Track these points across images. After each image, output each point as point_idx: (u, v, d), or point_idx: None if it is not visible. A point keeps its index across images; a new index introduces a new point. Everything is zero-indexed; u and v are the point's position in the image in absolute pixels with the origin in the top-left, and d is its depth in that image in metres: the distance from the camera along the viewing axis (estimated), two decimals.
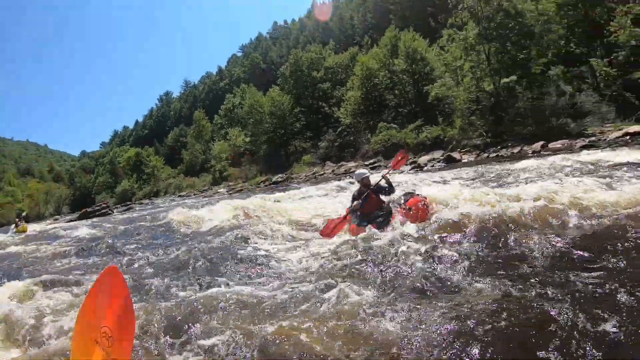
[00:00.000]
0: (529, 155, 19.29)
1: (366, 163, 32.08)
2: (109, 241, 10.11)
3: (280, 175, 40.53)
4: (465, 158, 24.20)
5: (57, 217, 56.33)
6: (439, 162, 24.48)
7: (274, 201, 13.74)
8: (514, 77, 26.35)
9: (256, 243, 7.78)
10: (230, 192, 38.28)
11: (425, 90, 33.96)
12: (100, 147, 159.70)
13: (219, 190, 44.07)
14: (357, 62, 44.85)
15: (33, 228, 25.37)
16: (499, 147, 24.52)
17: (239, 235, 8.31)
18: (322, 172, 35.22)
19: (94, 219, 27.93)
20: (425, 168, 23.39)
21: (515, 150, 22.47)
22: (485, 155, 23.68)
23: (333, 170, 34.07)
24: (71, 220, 31.62)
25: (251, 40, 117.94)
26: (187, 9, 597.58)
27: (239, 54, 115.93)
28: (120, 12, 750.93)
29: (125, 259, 7.80)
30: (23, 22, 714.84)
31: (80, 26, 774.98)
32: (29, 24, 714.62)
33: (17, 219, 25.97)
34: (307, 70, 53.70)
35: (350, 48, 57.31)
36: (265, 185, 37.26)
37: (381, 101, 40.22)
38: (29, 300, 5.82)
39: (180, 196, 50.82)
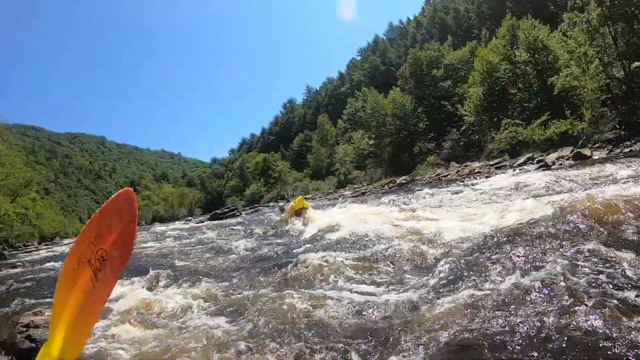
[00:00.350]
0: None
1: (491, 163, 31.14)
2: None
3: (404, 177, 40.54)
4: (597, 154, 22.56)
5: (189, 218, 60.45)
6: (567, 159, 23.20)
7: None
8: None
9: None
10: (355, 194, 38.56)
11: (550, 82, 32.14)
12: (229, 154, 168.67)
13: (343, 193, 44.42)
14: (476, 57, 43.88)
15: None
16: (633, 140, 22.57)
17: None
18: (446, 173, 34.51)
19: (223, 220, 30.28)
20: (554, 167, 22.46)
21: None
22: (618, 150, 21.89)
23: (458, 171, 33.25)
24: (201, 221, 34.42)
25: (368, 43, 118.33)
26: (305, 19, 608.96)
27: (358, 58, 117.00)
28: (242, 26, 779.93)
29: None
30: (158, 44, 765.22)
31: (209, 44, 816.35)
32: (167, 44, 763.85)
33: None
34: (427, 69, 53.39)
35: (468, 42, 55.96)
36: (389, 188, 37.13)
37: (504, 96, 38.69)
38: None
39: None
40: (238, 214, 35.31)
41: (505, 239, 5.45)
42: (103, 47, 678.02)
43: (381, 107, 54.24)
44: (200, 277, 7.23)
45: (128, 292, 6.57)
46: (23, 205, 43.70)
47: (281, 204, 27.19)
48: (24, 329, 5.23)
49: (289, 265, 6.67)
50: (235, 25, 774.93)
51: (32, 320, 5.40)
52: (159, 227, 38.89)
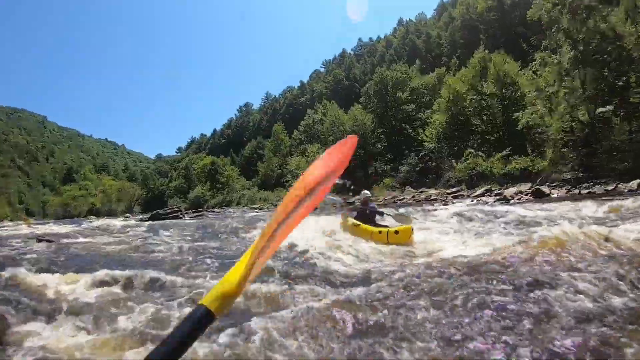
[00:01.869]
0: (625, 193, 18.08)
1: (448, 191, 31.30)
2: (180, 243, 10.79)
3: (357, 197, 40.01)
4: (555, 193, 22.95)
5: (127, 215, 58.37)
6: (526, 195, 23.34)
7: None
8: (610, 107, 24.86)
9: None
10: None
11: (515, 117, 32.41)
12: (176, 152, 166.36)
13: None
14: (444, 84, 43.94)
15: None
16: (591, 182, 23.14)
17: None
18: (401, 197, 34.46)
19: (166, 221, 28.91)
20: (512, 201, 22.36)
21: (610, 187, 21.05)
22: (577, 191, 22.27)
23: (413, 196, 33.19)
24: (142, 220, 32.98)
25: (335, 56, 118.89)
26: (274, 21, 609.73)
27: (322, 70, 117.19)
28: (207, 18, 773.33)
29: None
30: (108, 27, 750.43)
31: (165, 31, 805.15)
32: (114, 29, 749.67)
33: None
34: (392, 90, 53.37)
35: (437, 69, 56.37)
36: (342, 205, 36.63)
37: (467, 126, 38.98)
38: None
39: (252, 208, 51.34)
40: (181, 216, 33.91)
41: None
42: (56, 17, 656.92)
43: (340, 123, 53.89)
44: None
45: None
46: None
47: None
48: None
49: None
50: (202, 14, 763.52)
51: None
52: (98, 222, 37.21)
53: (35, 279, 6.99)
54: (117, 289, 6.43)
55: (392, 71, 56.55)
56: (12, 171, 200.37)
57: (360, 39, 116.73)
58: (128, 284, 6.64)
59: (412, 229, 9.27)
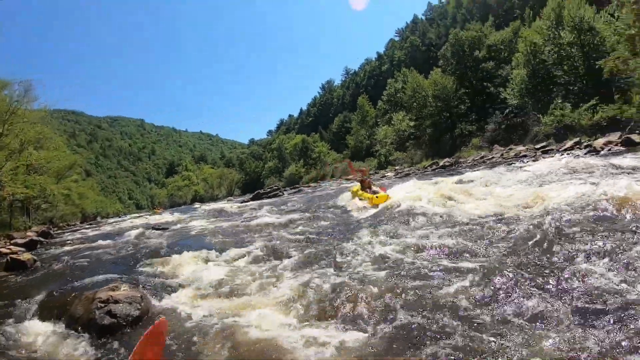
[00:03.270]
0: None
1: (536, 147, 31.02)
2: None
3: (447, 159, 40.52)
4: None
5: (230, 198, 61.52)
6: (616, 145, 23.04)
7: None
8: None
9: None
10: (398, 175, 38.73)
11: (597, 65, 31.51)
12: (267, 135, 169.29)
13: (386, 174, 44.62)
14: (520, 38, 43.36)
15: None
16: None
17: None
18: (490, 156, 34.45)
19: (268, 199, 31.00)
20: (602, 152, 22.31)
21: None
22: None
23: (502, 154, 33.26)
24: (244, 201, 35.17)
25: (407, 23, 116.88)
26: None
27: (397, 39, 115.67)
28: (280, 9, 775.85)
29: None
30: (185, 26, 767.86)
31: (248, 27, 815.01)
32: (189, 28, 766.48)
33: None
34: (469, 49, 52.94)
35: (511, 23, 55.14)
36: (433, 170, 37.12)
37: (549, 79, 38.05)
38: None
39: (347, 179, 52.50)
40: (280, 193, 35.91)
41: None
42: (139, 32, 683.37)
43: (422, 89, 54.29)
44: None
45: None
46: (66, 187, 45.37)
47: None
48: (103, 305, 5.35)
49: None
50: (273, 8, 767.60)
51: (110, 296, 5.53)
52: (205, 206, 39.87)
53: (162, 262, 8.44)
54: (230, 266, 7.64)
55: (466, 31, 55.93)
56: (119, 172, 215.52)
57: (429, 3, 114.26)
58: (240, 259, 8.01)
59: (387, 195, 13.31)
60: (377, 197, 13.37)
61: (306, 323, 4.49)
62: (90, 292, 5.92)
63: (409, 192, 12.73)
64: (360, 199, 14.88)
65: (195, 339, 4.44)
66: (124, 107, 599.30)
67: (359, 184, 16.84)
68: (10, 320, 5.82)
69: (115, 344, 4.68)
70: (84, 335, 4.96)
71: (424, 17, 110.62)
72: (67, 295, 6.50)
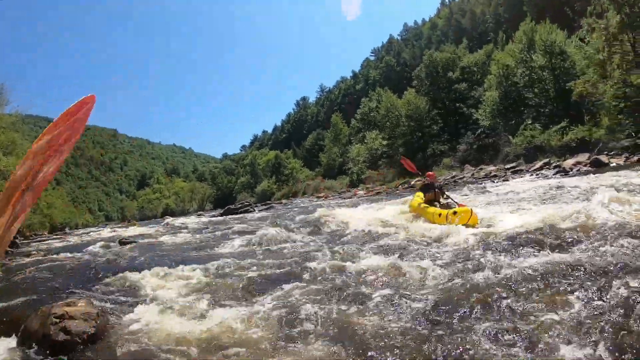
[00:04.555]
0: None
1: (507, 167, 31.38)
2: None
3: (419, 178, 40.57)
4: (614, 162, 22.96)
5: (200, 212, 60.85)
6: (585, 165, 23.46)
7: None
8: None
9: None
10: (369, 194, 38.60)
11: (567, 87, 32.21)
12: (240, 150, 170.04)
13: (357, 192, 44.60)
14: (492, 60, 43.91)
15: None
16: None
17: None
18: (461, 176, 34.71)
19: (238, 215, 30.59)
20: (571, 172, 22.66)
21: None
22: (636, 158, 22.17)
23: (473, 174, 33.53)
24: (214, 216, 34.95)
25: (383, 43, 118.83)
26: (314, 17, 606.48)
27: (372, 58, 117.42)
28: (256, 19, 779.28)
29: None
30: (161, 36, 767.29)
31: (222, 40, 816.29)
32: (166, 38, 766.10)
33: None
34: (443, 70, 53.47)
35: (484, 46, 56.02)
36: (404, 188, 37.22)
37: (520, 100, 38.65)
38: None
39: (318, 197, 52.21)
40: (252, 209, 35.49)
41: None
42: (114, 40, 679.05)
43: (395, 108, 54.52)
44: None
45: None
46: None
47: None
48: (57, 320, 5.05)
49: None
50: (246, 22, 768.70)
51: (65, 312, 5.20)
52: (175, 221, 39.28)
53: (124, 277, 7.89)
54: (195, 281, 7.24)
55: (440, 52, 56.58)
56: (90, 182, 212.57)
57: (405, 24, 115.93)
58: (206, 275, 7.54)
59: (472, 210, 9.44)
60: (454, 212, 9.56)
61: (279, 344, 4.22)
62: (46, 306, 5.52)
63: None
64: (430, 217, 10.46)
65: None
66: (97, 116, 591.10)
67: (420, 192, 11.81)
68: None
69: None
70: (37, 351, 4.70)
71: (399, 38, 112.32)
72: (25, 308, 6.28)
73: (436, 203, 11.24)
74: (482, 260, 5.66)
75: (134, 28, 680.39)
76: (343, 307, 4.75)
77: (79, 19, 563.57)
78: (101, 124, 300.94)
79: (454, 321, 4.00)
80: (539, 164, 27.95)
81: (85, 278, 8.79)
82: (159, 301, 6.09)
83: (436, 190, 11.48)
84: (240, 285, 6.50)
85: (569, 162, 24.88)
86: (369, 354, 3.61)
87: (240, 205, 36.70)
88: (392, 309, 4.54)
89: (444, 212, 9.88)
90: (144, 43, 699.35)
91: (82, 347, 4.68)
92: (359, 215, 13.82)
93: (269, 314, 4.92)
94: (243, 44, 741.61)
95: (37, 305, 5.96)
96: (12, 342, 5.06)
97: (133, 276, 7.93)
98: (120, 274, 8.22)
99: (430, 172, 12.56)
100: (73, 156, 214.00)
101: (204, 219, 32.25)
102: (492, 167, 34.13)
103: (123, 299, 6.65)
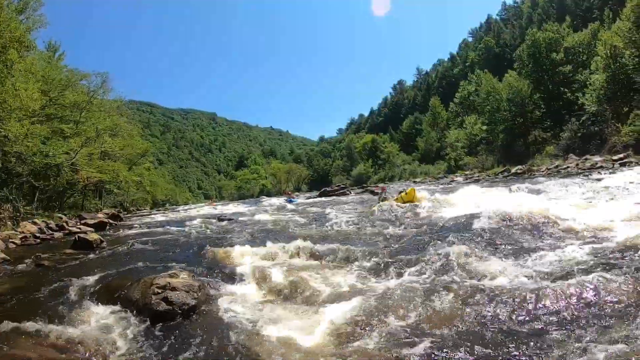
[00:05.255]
0: None
1: (614, 158, 29.67)
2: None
3: (519, 166, 39.50)
4: None
5: (297, 193, 62.38)
6: None
7: None
8: None
9: None
10: (467, 180, 38.07)
11: None
12: (337, 134, 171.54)
13: (455, 179, 44.17)
14: (599, 40, 41.46)
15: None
16: None
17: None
18: (565, 166, 33.23)
19: (333, 197, 31.33)
20: None
21: None
22: None
23: (577, 164, 31.94)
24: (309, 197, 36.44)
25: (481, 23, 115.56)
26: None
27: (470, 39, 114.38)
28: (349, 8, 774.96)
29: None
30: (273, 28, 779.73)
31: (318, 26, 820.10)
32: (264, 27, 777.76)
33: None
34: (546, 51, 51.00)
35: (590, 24, 52.83)
36: (504, 176, 36.48)
37: (630, 85, 35.64)
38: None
39: (414, 182, 51.91)
40: (348, 192, 36.08)
41: None
42: (215, 27, 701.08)
43: (496, 92, 53.02)
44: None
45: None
46: (138, 174, 47.35)
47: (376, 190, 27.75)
48: (160, 291, 5.38)
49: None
50: (341, 7, 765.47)
51: (168, 282, 5.54)
52: (272, 200, 40.89)
53: (223, 253, 8.54)
54: (294, 260, 7.82)
55: (543, 32, 54.17)
56: (190, 162, 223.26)
57: (504, 2, 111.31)
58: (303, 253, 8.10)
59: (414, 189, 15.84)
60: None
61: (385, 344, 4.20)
62: (149, 277, 5.99)
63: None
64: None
65: (248, 339, 4.47)
66: (197, 100, 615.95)
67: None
68: (69, 297, 6.07)
69: (168, 332, 4.77)
70: (137, 320, 5.06)
71: (498, 18, 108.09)
72: (127, 278, 6.67)
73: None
74: None
75: (232, 15, 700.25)
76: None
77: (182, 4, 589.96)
78: (201, 108, 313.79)
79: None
80: None
81: (185, 252, 9.70)
82: (257, 278, 6.60)
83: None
84: (342, 266, 6.95)
85: None
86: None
87: (336, 188, 37.54)
88: None
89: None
90: (244, 29, 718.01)
91: (181, 317, 5.09)
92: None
93: (383, 299, 5.11)
94: (338, 24, 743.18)
95: (138, 276, 6.58)
96: (113, 308, 5.51)
97: (232, 252, 8.54)
98: (219, 249, 8.94)
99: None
100: (174, 137, 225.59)
101: (301, 200, 33.28)
102: (598, 158, 32.50)
103: (223, 273, 7.07)
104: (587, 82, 40.77)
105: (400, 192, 17.22)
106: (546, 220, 8.69)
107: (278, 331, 4.55)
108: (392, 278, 6.28)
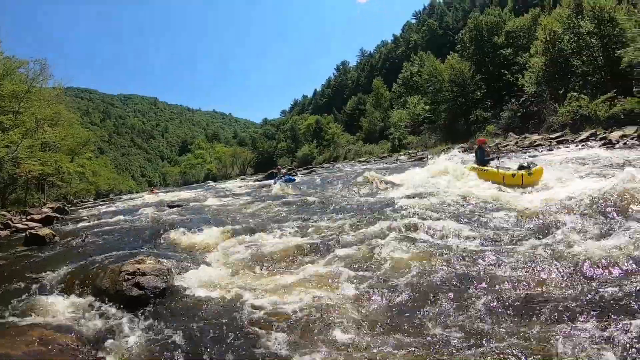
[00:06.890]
0: None
1: (552, 136, 31.05)
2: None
3: (462, 144, 40.55)
4: None
5: (242, 177, 62.25)
6: (632, 139, 22.97)
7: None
8: None
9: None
10: (411, 159, 38.45)
11: (616, 56, 31.17)
12: (280, 115, 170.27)
13: (399, 158, 44.93)
14: (539, 25, 42.93)
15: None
16: None
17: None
18: (505, 144, 34.27)
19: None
20: (618, 145, 22.33)
21: None
22: None
23: (517, 142, 33.16)
24: (257, 180, 36.48)
25: (424, 6, 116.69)
26: None
27: (414, 21, 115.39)
28: None
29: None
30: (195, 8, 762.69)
31: (261, 5, 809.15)
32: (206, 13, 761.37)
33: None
34: (487, 35, 52.58)
35: (531, 9, 54.49)
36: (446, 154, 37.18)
37: (567, 68, 37.54)
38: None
39: (359, 161, 52.32)
40: (294, 174, 36.12)
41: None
42: (151, 8, 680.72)
43: (438, 73, 53.97)
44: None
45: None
46: (80, 164, 45.89)
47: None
48: (130, 277, 5.55)
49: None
50: None
51: (137, 268, 5.71)
52: (218, 185, 40.37)
53: (179, 237, 8.85)
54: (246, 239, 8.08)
55: (485, 15, 55.57)
56: (132, 149, 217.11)
57: None
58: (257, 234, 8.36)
59: (543, 169, 10.73)
60: (529, 173, 10.67)
61: (343, 306, 4.77)
62: (116, 265, 6.14)
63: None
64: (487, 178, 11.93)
65: (221, 313, 4.82)
66: (137, 85, 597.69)
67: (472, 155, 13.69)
68: (36, 293, 6.08)
69: (143, 315, 4.99)
70: (111, 307, 5.23)
71: (441, 1, 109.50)
72: (90, 268, 6.75)
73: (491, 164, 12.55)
74: None
75: None
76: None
77: None
78: (141, 93, 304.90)
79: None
80: (585, 135, 27.55)
81: (142, 239, 9.75)
82: (219, 257, 6.97)
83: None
84: (294, 249, 7.08)
85: (616, 135, 24.27)
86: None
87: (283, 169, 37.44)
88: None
89: (518, 172, 11.01)
90: (180, 9, 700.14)
91: (154, 301, 5.30)
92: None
93: (326, 275, 5.60)
94: (282, 6, 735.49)
95: (101, 265, 6.72)
96: (84, 299, 5.65)
97: (190, 235, 8.85)
98: (177, 233, 9.23)
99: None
100: (115, 124, 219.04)
101: (249, 183, 33.16)
102: (536, 136, 33.70)
103: (184, 256, 7.32)
104: (527, 65, 42.03)
105: (523, 167, 11.36)
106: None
107: (247, 302, 4.95)
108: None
